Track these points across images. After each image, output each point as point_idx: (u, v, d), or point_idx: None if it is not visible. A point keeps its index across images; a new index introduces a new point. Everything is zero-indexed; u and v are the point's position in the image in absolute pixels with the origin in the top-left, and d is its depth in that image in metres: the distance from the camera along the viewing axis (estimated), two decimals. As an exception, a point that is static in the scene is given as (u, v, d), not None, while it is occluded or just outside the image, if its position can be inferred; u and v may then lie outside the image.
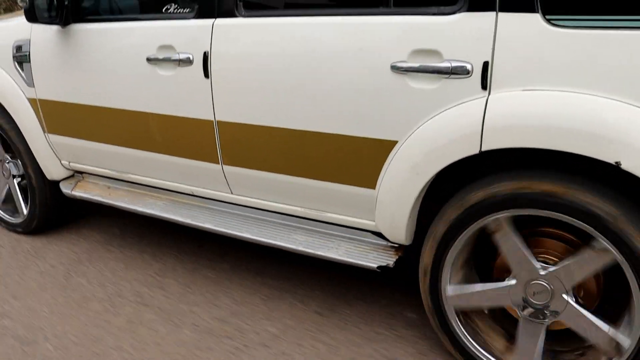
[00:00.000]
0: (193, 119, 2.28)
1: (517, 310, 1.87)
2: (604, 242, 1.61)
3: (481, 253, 1.99)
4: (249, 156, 2.20)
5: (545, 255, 1.84)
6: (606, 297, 1.84)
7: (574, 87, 1.54)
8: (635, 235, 1.56)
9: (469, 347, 1.96)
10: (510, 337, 1.96)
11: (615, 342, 1.71)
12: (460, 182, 1.90)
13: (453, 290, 1.94)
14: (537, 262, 1.78)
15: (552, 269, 1.76)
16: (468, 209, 1.79)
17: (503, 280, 1.88)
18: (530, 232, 1.87)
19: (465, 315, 1.99)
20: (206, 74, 2.17)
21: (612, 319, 1.76)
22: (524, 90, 1.61)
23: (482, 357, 1.95)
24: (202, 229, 2.43)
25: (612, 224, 1.58)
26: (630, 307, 1.67)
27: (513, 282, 1.84)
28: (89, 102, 2.60)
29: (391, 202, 1.92)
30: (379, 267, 2.02)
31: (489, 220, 1.78)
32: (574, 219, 1.62)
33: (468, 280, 1.98)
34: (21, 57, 2.80)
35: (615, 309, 1.81)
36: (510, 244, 1.80)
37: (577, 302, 1.77)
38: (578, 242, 1.78)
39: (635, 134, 1.47)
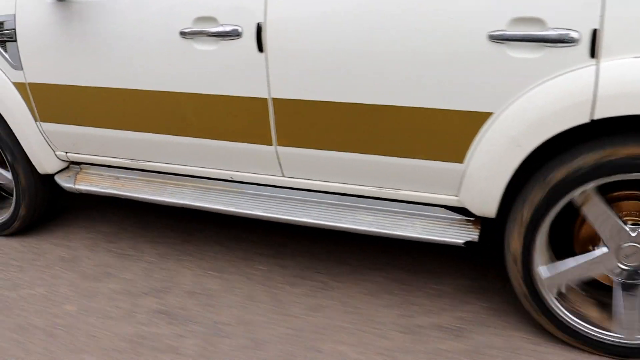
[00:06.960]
0: (243, 97, 2.09)
1: (612, 276, 1.90)
2: None
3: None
4: (312, 135, 2.06)
5: (630, 217, 1.89)
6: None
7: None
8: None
9: (571, 324, 1.95)
10: (602, 305, 1.99)
11: None
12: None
13: (546, 271, 1.93)
14: (626, 226, 1.82)
15: None
16: (553, 188, 1.79)
17: (589, 251, 1.91)
18: (609, 198, 1.89)
19: (560, 293, 1.98)
20: (260, 47, 1.99)
21: None
22: (635, 57, 1.61)
23: (585, 330, 1.94)
24: (249, 217, 2.26)
25: None
26: None
27: (605, 249, 1.86)
28: (100, 84, 2.31)
29: (484, 177, 1.87)
30: (465, 243, 1.99)
31: (575, 194, 1.78)
32: None
33: (551, 259, 1.98)
34: (4, 35, 2.42)
35: None
36: (599, 213, 1.82)
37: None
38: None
39: None
